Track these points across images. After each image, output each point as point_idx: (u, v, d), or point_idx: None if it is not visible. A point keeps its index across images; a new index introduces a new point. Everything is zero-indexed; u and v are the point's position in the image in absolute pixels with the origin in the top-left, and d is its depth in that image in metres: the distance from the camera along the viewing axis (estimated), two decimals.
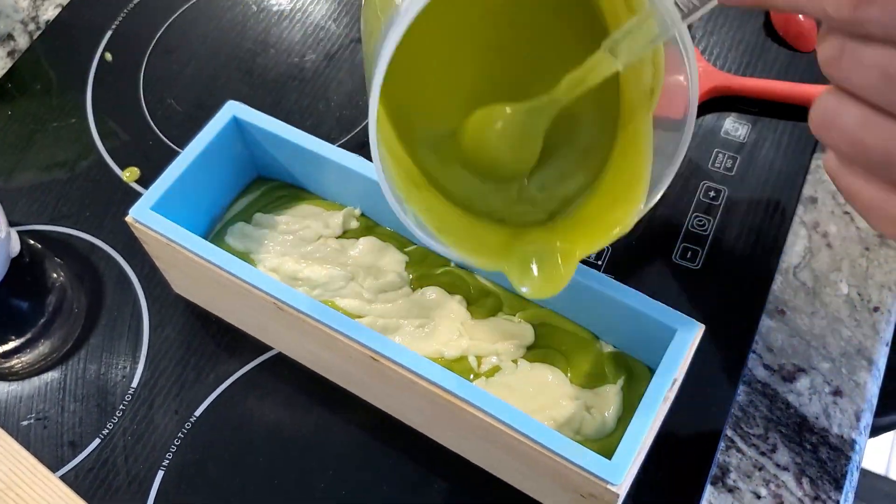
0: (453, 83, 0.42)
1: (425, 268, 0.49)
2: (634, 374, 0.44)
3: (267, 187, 0.52)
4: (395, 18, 0.32)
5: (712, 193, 0.54)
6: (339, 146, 0.48)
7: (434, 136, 0.43)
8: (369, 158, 0.35)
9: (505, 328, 0.46)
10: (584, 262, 0.51)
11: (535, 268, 0.40)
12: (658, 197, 0.39)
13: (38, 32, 0.66)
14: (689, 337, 0.39)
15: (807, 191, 0.54)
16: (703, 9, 0.32)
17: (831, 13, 0.27)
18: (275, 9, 0.64)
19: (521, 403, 0.42)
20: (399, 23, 0.31)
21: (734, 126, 0.57)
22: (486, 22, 0.41)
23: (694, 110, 0.36)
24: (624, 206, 0.40)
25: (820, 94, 0.29)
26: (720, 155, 0.55)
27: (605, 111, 0.41)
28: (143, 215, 0.45)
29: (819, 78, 0.57)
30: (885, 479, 1.31)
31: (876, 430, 1.04)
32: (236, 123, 0.48)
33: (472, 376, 0.45)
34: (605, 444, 0.42)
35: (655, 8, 0.33)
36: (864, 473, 1.30)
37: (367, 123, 0.50)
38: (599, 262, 0.52)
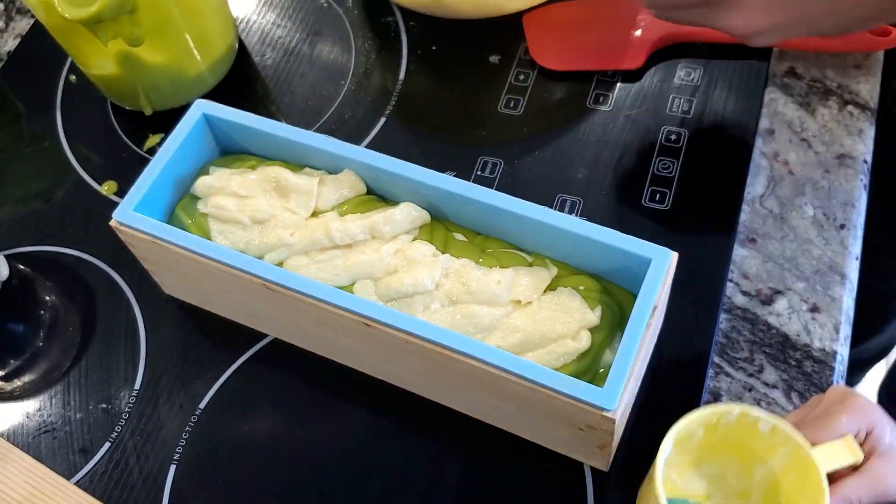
0: None
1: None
2: (620, 303, 0.45)
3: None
4: None
5: (673, 137, 0.56)
6: None
7: None
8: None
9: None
10: (556, 209, 0.53)
11: None
12: None
13: (1, 65, 0.67)
14: (663, 264, 0.41)
15: (763, 123, 0.56)
16: None
17: None
18: (233, 13, 0.65)
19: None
20: None
21: (686, 71, 0.58)
22: None
23: None
24: None
25: None
26: (676, 99, 0.57)
27: None
28: (126, 217, 0.46)
29: None
30: None
31: (863, 365, 1.06)
32: (206, 120, 0.50)
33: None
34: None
35: None
36: None
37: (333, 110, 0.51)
38: (574, 215, 0.53)
